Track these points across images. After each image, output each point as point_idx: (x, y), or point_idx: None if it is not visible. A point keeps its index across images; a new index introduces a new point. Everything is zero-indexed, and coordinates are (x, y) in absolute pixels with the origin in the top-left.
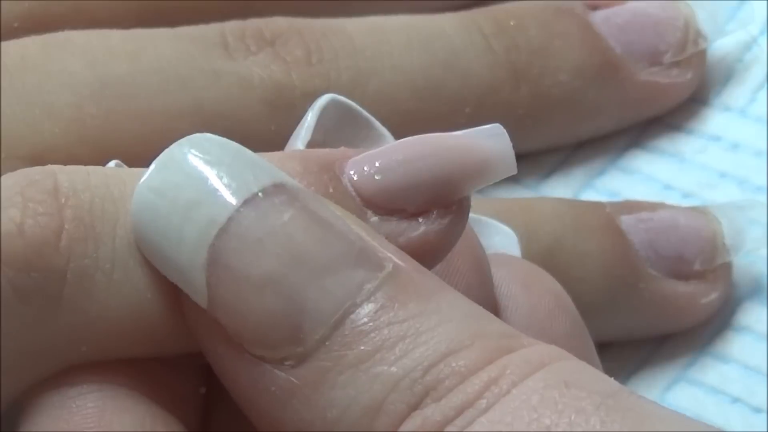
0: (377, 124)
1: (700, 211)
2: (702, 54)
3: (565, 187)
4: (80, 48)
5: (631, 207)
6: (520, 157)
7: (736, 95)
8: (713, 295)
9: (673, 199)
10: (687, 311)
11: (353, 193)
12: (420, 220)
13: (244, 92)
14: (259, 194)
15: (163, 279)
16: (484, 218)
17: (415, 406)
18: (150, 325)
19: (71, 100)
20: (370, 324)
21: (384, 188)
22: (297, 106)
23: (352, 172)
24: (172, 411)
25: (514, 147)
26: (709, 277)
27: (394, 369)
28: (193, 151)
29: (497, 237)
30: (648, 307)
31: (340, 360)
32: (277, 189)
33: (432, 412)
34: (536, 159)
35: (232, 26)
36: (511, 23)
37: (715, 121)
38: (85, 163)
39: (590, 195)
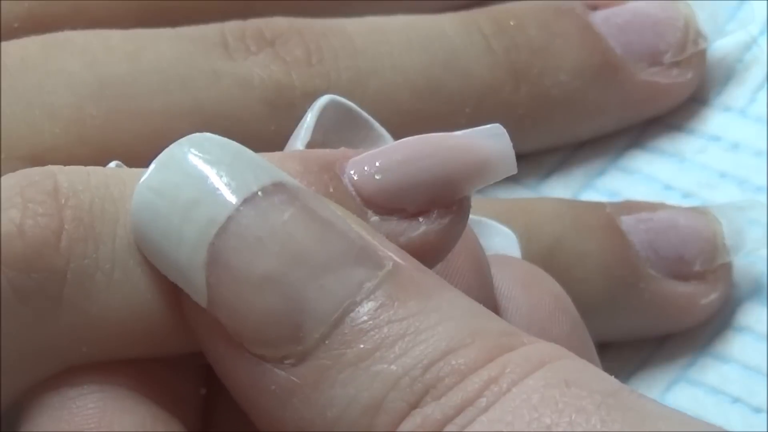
0: (376, 124)
1: (700, 211)
2: (702, 54)
3: (565, 188)
4: (80, 48)
5: (631, 207)
6: (520, 157)
7: (736, 95)
8: (713, 296)
9: (673, 200)
10: (687, 311)
11: (353, 193)
12: (420, 219)
13: (244, 92)
14: (259, 193)
15: (163, 279)
16: (484, 219)
17: (415, 405)
18: (150, 325)
19: (71, 101)
20: (370, 322)
21: (384, 188)
22: (297, 106)
23: (352, 172)
24: (173, 411)
25: (514, 147)
26: (709, 277)
27: (393, 367)
28: (192, 150)
29: (497, 238)
30: (648, 307)
31: (340, 358)
32: (276, 188)
33: (432, 410)
34: (536, 159)
35: (232, 26)
36: (511, 23)
37: (715, 121)
38: (85, 164)
39: (590, 195)
